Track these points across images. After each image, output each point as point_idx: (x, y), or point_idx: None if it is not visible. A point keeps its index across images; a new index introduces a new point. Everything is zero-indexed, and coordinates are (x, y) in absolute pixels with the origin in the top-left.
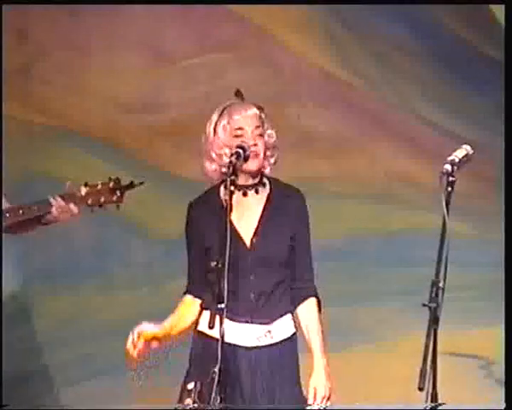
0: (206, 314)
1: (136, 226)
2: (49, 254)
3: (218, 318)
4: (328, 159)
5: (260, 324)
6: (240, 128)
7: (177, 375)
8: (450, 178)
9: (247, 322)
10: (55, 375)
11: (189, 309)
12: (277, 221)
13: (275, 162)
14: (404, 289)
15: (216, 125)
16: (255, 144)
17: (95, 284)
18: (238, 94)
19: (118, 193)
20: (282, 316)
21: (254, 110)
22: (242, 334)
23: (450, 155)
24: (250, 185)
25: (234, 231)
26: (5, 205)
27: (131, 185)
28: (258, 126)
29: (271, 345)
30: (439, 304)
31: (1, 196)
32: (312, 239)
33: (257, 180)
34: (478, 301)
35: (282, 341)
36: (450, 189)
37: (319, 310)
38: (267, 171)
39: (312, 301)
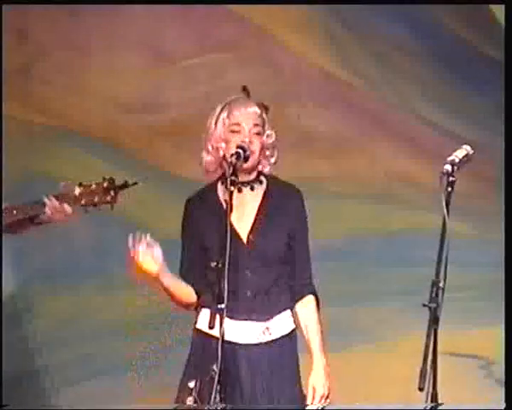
0: (205, 312)
1: (136, 226)
2: (49, 254)
3: (218, 318)
4: (328, 159)
5: (258, 321)
6: (237, 124)
7: (177, 375)
8: (451, 179)
9: (246, 319)
10: (55, 375)
11: (189, 289)
12: (275, 218)
13: (275, 162)
14: (404, 289)
15: (217, 118)
16: (251, 142)
17: (95, 284)
18: (244, 90)
19: (112, 193)
20: (280, 312)
21: (255, 108)
22: (241, 331)
23: (450, 155)
24: (245, 182)
25: (231, 229)
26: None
27: (125, 185)
28: (256, 125)
29: (271, 343)
30: (439, 304)
31: (1, 196)
32: (312, 239)
33: (252, 177)
34: (478, 301)
35: (280, 337)
36: (450, 189)
37: (318, 308)
38: (267, 170)
39: (311, 298)
